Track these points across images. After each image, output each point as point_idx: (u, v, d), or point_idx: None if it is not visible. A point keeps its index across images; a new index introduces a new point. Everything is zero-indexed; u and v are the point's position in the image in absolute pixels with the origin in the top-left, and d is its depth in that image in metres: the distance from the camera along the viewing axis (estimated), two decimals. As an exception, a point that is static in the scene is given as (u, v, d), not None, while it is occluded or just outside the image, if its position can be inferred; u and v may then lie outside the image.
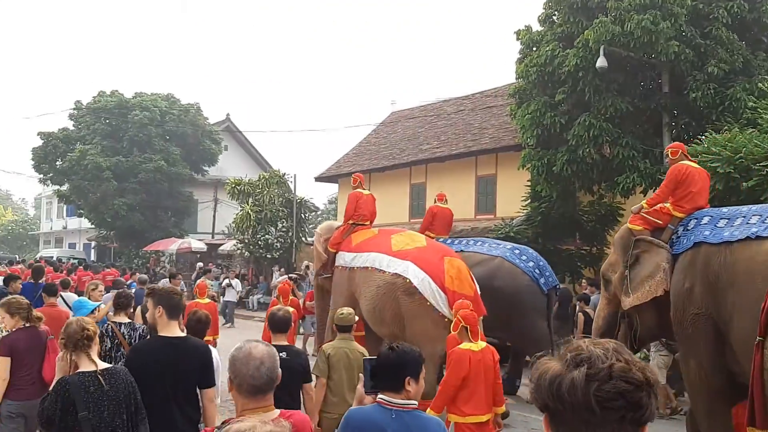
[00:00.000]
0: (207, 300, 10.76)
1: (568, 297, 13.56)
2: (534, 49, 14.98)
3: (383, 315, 8.57)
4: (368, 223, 10.09)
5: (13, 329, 5.55)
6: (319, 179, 27.12)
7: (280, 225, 25.15)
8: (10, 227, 58.76)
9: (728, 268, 5.99)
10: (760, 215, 6.09)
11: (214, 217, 33.31)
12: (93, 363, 3.82)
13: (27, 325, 5.54)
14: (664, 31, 12.56)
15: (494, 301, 8.76)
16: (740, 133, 10.44)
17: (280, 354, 5.03)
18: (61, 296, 8.49)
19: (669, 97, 13.73)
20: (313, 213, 28.10)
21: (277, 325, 5.26)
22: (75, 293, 9.87)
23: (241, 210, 25.98)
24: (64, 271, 19.36)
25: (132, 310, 6.42)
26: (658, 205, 7.12)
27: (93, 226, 35.57)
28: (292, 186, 26.49)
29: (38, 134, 33.07)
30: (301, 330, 13.88)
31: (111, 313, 5.73)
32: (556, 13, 15.08)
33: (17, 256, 37.26)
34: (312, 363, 5.54)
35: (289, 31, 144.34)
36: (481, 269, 9.65)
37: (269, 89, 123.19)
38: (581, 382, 1.24)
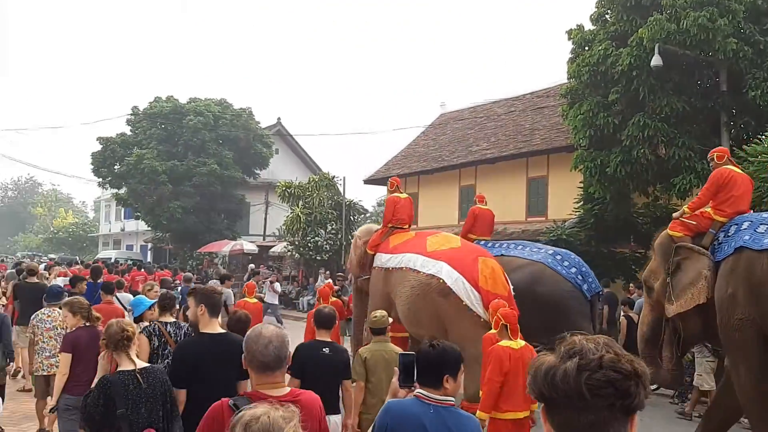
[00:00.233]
0: (254, 300, 11.03)
1: (615, 301, 13.32)
2: (586, 48, 14.77)
3: (419, 317, 8.58)
4: (407, 226, 10.15)
5: (74, 327, 5.90)
6: (367, 182, 27.20)
7: (329, 227, 25.35)
8: (71, 229, 60.71)
9: None
10: None
11: (265, 219, 33.78)
12: (132, 362, 4.04)
13: (87, 324, 5.87)
14: (721, 28, 12.22)
15: (538, 306, 8.64)
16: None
17: (324, 349, 5.18)
18: (116, 296, 8.79)
19: (727, 95, 13.33)
20: (362, 215, 28.20)
21: (323, 321, 5.39)
22: (129, 293, 10.20)
23: (291, 212, 26.28)
24: (119, 272, 19.95)
25: (177, 309, 6.61)
26: (699, 210, 7.04)
27: (149, 228, 36.53)
28: (341, 188, 26.68)
29: (97, 139, 34.10)
30: (348, 333, 13.94)
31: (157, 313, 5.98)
32: (609, 11, 14.84)
33: (77, 258, 38.59)
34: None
35: (338, 35, 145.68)
36: (522, 274, 9.46)
37: (319, 92, 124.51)
38: (573, 372, 1.32)
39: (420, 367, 3.00)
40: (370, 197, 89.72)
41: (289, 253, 26.99)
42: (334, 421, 5.05)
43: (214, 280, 16.76)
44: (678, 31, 12.53)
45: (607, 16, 14.91)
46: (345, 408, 5.24)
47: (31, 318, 7.38)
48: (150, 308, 7.25)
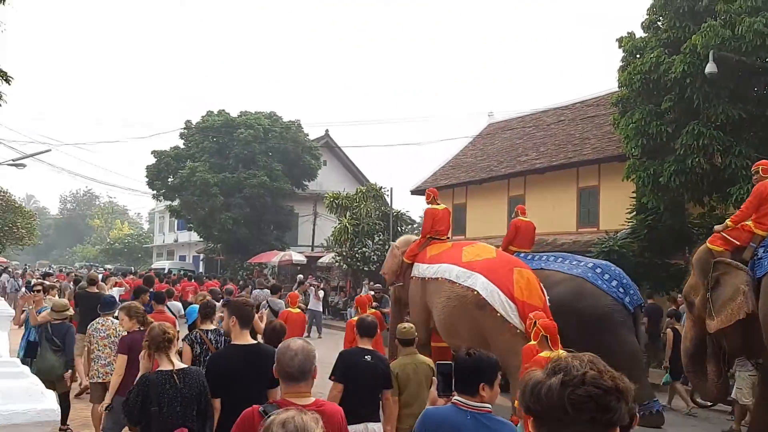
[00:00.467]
0: (297, 309, 11.15)
1: (658, 313, 12.94)
2: (637, 56, 14.50)
3: (457, 328, 8.59)
4: (445, 237, 10.27)
5: (130, 331, 6.22)
6: (414, 192, 27.18)
7: (376, 238, 25.43)
8: (126, 240, 62.52)
9: None
10: None
11: (313, 230, 34.10)
12: (171, 363, 4.26)
13: (141, 328, 6.09)
14: (778, 34, 11.84)
15: (580, 322, 8.46)
16: None
17: (365, 357, 5.21)
18: (167, 305, 9.02)
19: (785, 103, 12.91)
20: (410, 226, 28.18)
21: (365, 329, 5.45)
22: (180, 302, 10.47)
23: (339, 223, 26.46)
24: (171, 282, 20.48)
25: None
26: (740, 224, 6.90)
27: (201, 239, 37.27)
28: (388, 199, 26.75)
29: (152, 153, 35.15)
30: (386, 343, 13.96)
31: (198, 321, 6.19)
32: (660, 18, 14.58)
33: (132, 268, 39.66)
34: None
35: (385, 49, 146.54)
36: (562, 289, 9.22)
37: (367, 104, 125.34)
38: (557, 387, 1.39)
39: (457, 376, 3.10)
40: (418, 208, 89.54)
41: (337, 263, 27.16)
42: (373, 428, 5.10)
43: (257, 290, 16.99)
44: (733, 37, 12.22)
45: (659, 23, 14.65)
46: (384, 416, 5.28)
47: (88, 327, 7.60)
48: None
